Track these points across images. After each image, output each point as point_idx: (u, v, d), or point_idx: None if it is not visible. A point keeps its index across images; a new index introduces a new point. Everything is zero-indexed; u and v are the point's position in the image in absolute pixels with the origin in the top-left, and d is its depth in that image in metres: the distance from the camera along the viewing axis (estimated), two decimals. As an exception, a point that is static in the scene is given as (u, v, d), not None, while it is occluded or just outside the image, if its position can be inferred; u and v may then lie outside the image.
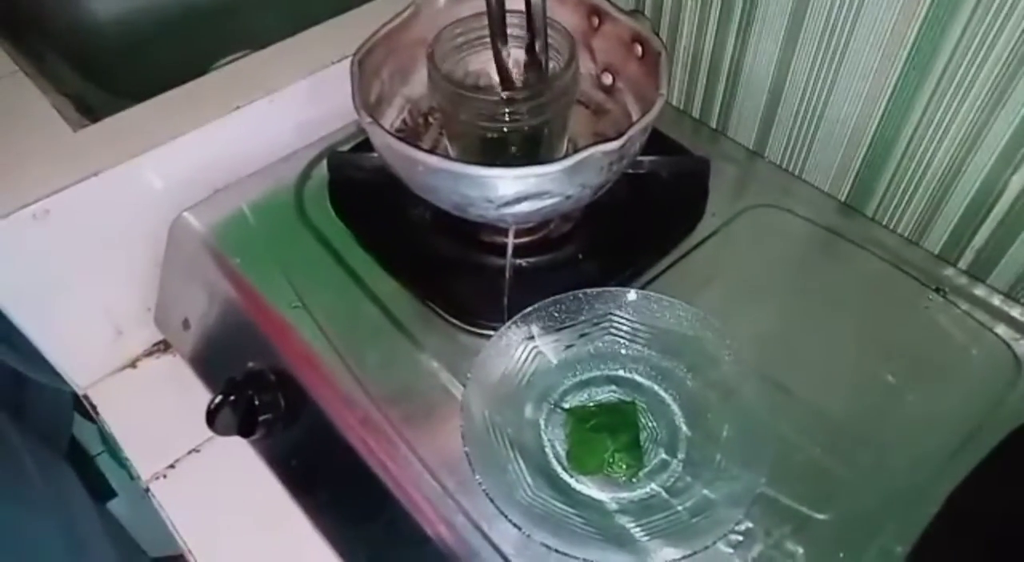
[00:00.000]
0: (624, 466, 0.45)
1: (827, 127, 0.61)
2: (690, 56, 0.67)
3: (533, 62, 0.53)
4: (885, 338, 0.53)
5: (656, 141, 0.61)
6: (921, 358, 0.52)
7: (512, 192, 0.48)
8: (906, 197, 0.59)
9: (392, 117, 0.60)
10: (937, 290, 0.55)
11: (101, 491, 1.20)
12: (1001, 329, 0.53)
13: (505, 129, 0.53)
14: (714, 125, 0.69)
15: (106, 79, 0.68)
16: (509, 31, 0.53)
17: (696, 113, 0.70)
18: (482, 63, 0.55)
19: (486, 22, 0.52)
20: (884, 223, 0.61)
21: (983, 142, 0.52)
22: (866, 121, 0.58)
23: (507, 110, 0.51)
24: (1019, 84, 0.48)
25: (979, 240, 0.56)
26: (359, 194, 0.61)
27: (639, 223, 0.60)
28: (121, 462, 1.26)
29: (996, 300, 0.54)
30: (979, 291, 0.55)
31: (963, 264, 0.58)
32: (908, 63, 0.53)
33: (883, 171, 0.59)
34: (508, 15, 0.51)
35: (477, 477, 0.42)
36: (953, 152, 0.54)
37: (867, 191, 0.61)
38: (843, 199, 0.63)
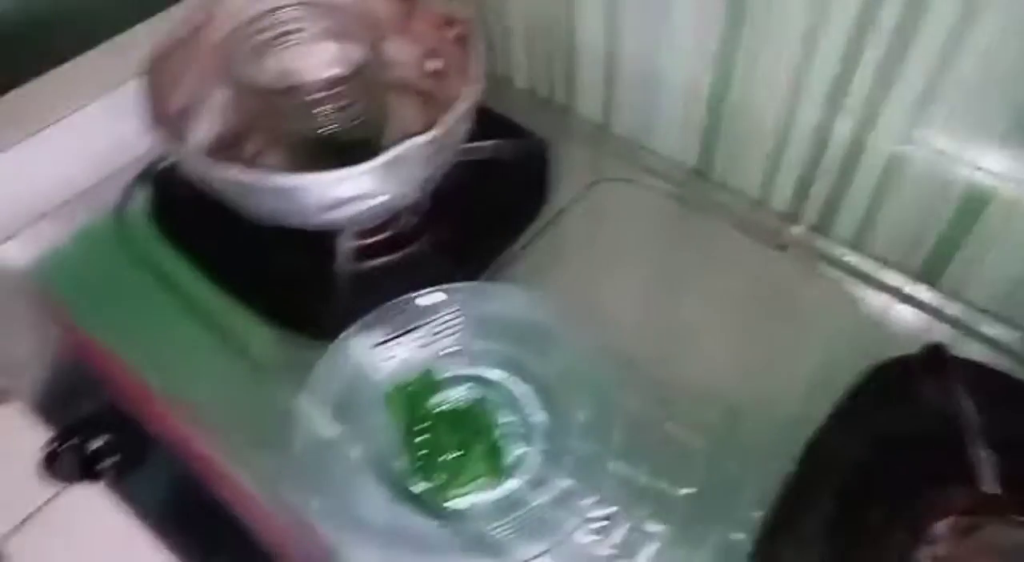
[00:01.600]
0: (488, 476, 0.44)
1: (666, 91, 0.60)
2: (524, 33, 0.65)
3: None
4: (732, 301, 0.53)
5: (498, 124, 0.59)
6: (772, 318, 0.52)
7: (329, 198, 0.45)
8: (745, 156, 0.58)
9: (209, 123, 0.56)
10: (780, 247, 0.55)
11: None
12: (842, 278, 0.53)
13: (319, 130, 0.50)
14: (562, 101, 0.67)
15: None
16: (306, 25, 0.49)
17: (544, 92, 0.68)
18: (289, 61, 0.52)
19: (285, 16, 0.49)
20: (729, 187, 0.60)
21: (808, 95, 0.52)
22: (698, 79, 0.57)
23: (315, 111, 0.48)
24: (831, 27, 0.47)
25: (818, 196, 0.56)
26: (184, 210, 0.57)
27: (485, 210, 0.58)
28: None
29: (836, 252, 0.55)
30: (820, 244, 0.55)
31: (807, 222, 0.58)
32: (727, 12, 0.52)
33: (720, 130, 0.58)
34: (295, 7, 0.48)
35: (313, 504, 0.40)
36: (780, 106, 0.54)
37: (711, 154, 0.60)
38: (692, 165, 0.62)
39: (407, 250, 0.57)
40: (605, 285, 0.53)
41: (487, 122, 0.55)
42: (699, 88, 0.57)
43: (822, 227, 0.57)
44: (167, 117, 0.48)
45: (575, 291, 0.48)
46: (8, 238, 0.57)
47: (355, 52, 0.51)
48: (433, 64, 0.58)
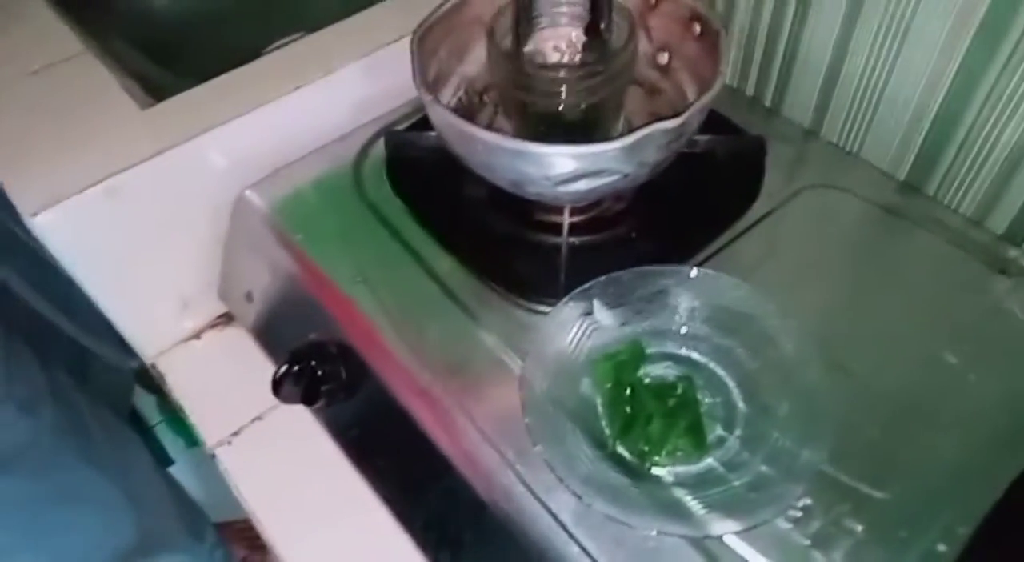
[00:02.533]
0: (687, 451, 0.46)
1: (887, 105, 0.60)
2: (745, 33, 0.66)
3: (593, 40, 0.54)
4: (947, 319, 0.52)
5: (710, 120, 0.60)
6: (984, 340, 0.51)
7: (570, 170, 0.49)
8: (969, 176, 0.58)
9: (448, 95, 0.61)
10: (1002, 272, 0.54)
11: (160, 459, 1.25)
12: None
13: (561, 107, 0.53)
14: (768, 103, 0.68)
15: (167, 60, 0.70)
16: (568, 9, 0.53)
17: (750, 91, 0.69)
18: (540, 41, 0.55)
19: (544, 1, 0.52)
20: (946, 203, 0.60)
21: (1053, 120, 0.51)
22: (929, 98, 0.57)
23: (564, 89, 0.51)
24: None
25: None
26: (416, 172, 0.62)
27: (693, 202, 0.60)
28: (179, 430, 1.30)
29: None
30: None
31: (1027, 245, 0.57)
32: (976, 38, 0.52)
33: (946, 149, 0.58)
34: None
35: (538, 447, 0.43)
36: (1022, 132, 0.53)
37: (928, 170, 0.60)
38: (902, 178, 0.62)
39: (611, 232, 0.60)
40: (810, 290, 0.54)
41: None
42: (928, 107, 0.57)
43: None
44: (426, 82, 0.53)
45: (780, 293, 0.49)
46: (260, 179, 0.63)
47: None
48: (662, 57, 0.60)
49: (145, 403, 1.28)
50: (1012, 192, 0.56)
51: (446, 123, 0.51)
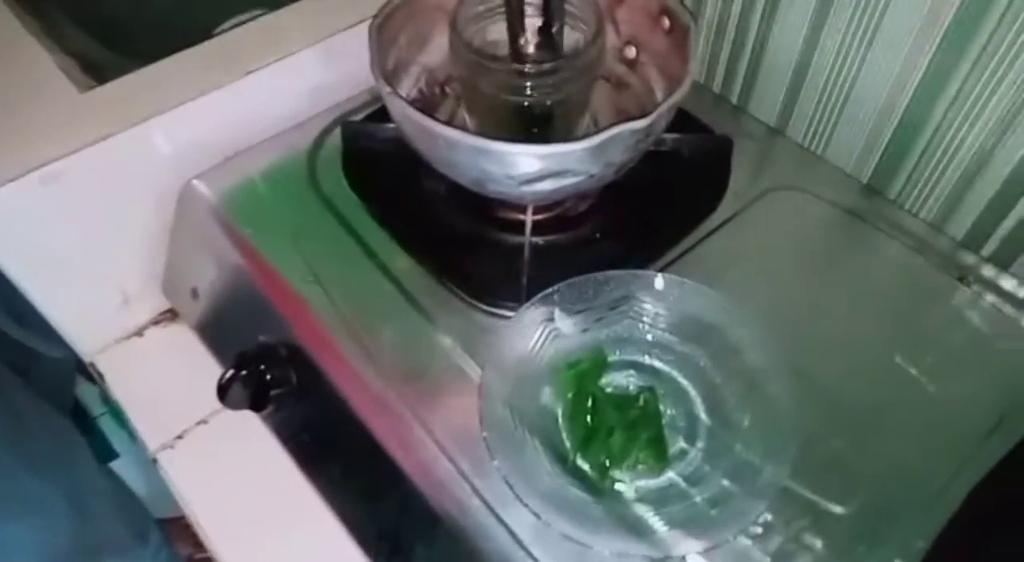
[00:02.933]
0: (649, 464, 0.45)
1: (854, 106, 0.59)
2: (713, 29, 0.65)
3: (545, 41, 0.52)
4: (909, 328, 0.52)
5: (676, 117, 0.59)
6: (944, 348, 0.51)
7: (535, 170, 0.47)
8: (931, 181, 0.58)
9: (408, 86, 0.58)
10: (961, 279, 0.54)
11: (103, 452, 1.20)
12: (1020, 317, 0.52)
13: (527, 103, 0.51)
14: (735, 101, 0.67)
15: (112, 38, 0.66)
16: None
17: (717, 88, 0.68)
18: (503, 32, 0.53)
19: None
20: (907, 207, 0.60)
21: (1018, 126, 0.51)
22: (895, 100, 0.56)
23: (530, 83, 0.49)
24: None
25: (1005, 228, 0.55)
26: (373, 166, 0.59)
27: (658, 202, 0.58)
28: (124, 423, 1.25)
29: (1022, 292, 0.53)
30: (1005, 282, 0.54)
31: (986, 252, 0.57)
32: (944, 41, 0.51)
33: (910, 153, 0.58)
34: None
35: (495, 462, 0.42)
36: (985, 136, 0.53)
37: (891, 173, 0.59)
38: (865, 181, 0.61)
39: (575, 232, 0.58)
40: (774, 295, 0.53)
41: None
42: (893, 109, 0.57)
43: (1002, 261, 0.56)
44: (385, 72, 0.50)
45: (743, 297, 0.48)
46: (209, 168, 0.60)
47: (574, 33, 0.52)
48: (630, 51, 0.59)
49: (88, 393, 1.23)
50: (972, 198, 0.56)
51: (405, 116, 0.48)
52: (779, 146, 0.64)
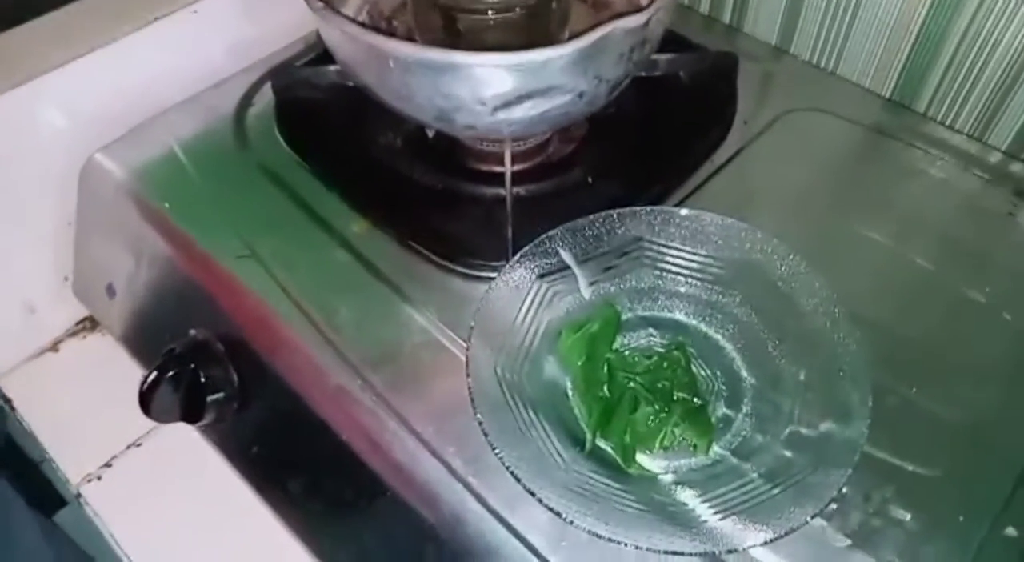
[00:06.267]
0: (690, 439, 0.36)
1: (866, 14, 0.51)
2: (696, -58, 0.57)
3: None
4: (970, 252, 0.44)
5: (669, 40, 0.51)
6: (1012, 270, 0.43)
7: (511, 87, 0.37)
8: (965, 89, 0.50)
9: (356, 7, 0.49)
10: (1018, 194, 0.46)
11: (49, 500, 1.08)
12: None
13: (490, 14, 0.42)
14: (728, 20, 0.58)
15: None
16: None
17: (705, 9, 0.59)
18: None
19: None
20: (940, 120, 0.52)
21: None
22: (914, 4, 0.49)
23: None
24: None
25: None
26: (314, 119, 0.50)
27: (657, 136, 0.50)
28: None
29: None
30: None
31: (1034, 161, 0.49)
32: None
33: (936, 62, 0.50)
34: None
35: (496, 450, 0.32)
36: (1022, 37, 0.45)
37: (916, 85, 0.52)
38: (888, 96, 0.53)
39: (562, 178, 0.49)
40: (806, 230, 0.44)
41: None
42: (912, 14, 0.49)
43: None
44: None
45: (771, 234, 0.39)
46: (114, 140, 0.50)
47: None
48: (607, -38, 0.50)
49: (28, 436, 1.11)
50: (1015, 103, 0.48)
51: (345, 38, 0.39)
52: (785, 65, 0.56)
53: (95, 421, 0.53)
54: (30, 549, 0.68)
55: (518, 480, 0.32)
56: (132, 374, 0.52)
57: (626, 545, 0.31)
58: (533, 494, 0.31)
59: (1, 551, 0.64)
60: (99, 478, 0.51)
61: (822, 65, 0.55)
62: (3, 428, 0.94)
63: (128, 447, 0.52)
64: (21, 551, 0.67)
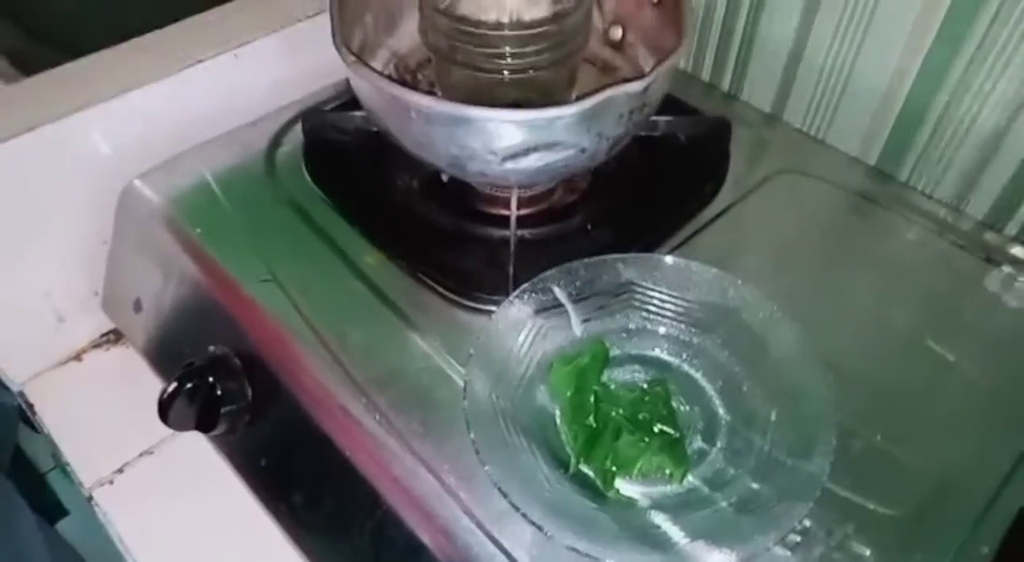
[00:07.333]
0: (667, 468, 0.38)
1: (854, 89, 0.56)
2: (700, 16, 0.61)
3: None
4: (940, 311, 0.47)
5: (669, 104, 0.55)
6: (983, 333, 0.46)
7: (519, 141, 0.41)
8: (944, 161, 0.54)
9: (383, 63, 0.53)
10: (989, 260, 0.50)
11: (52, 510, 1.10)
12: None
13: (506, 74, 0.46)
14: (726, 88, 0.63)
15: (47, 33, 0.60)
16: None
17: (706, 76, 0.64)
18: (473, 8, 0.48)
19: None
20: (920, 189, 0.55)
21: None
22: (899, 82, 0.53)
23: (510, 48, 0.45)
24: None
25: (1025, 207, 0.51)
26: (339, 159, 0.54)
27: (653, 190, 0.54)
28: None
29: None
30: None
31: (1010, 231, 0.52)
32: (944, 27, 0.49)
33: (918, 134, 0.54)
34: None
35: (487, 467, 0.35)
36: (999, 112, 0.49)
37: (899, 156, 0.56)
38: (873, 164, 0.57)
39: (564, 224, 0.53)
40: (788, 283, 0.47)
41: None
42: (896, 91, 0.53)
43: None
44: (347, 44, 0.45)
45: (756, 287, 0.43)
46: (153, 168, 0.54)
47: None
48: (616, 32, 0.54)
49: (36, 445, 1.13)
50: (989, 178, 0.52)
51: (373, 89, 0.43)
52: (777, 131, 0.60)
53: (111, 428, 0.56)
54: (26, 539, 0.70)
55: (505, 496, 0.35)
56: (148, 386, 0.56)
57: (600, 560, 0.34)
58: (518, 509, 0.34)
59: (3, 551, 0.66)
60: (111, 483, 0.53)
61: (812, 133, 0.59)
62: (13, 438, 0.97)
63: (140, 455, 0.54)
64: (19, 552, 0.69)
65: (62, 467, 1.13)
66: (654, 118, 0.53)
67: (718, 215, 0.52)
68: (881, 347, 0.45)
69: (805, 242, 0.51)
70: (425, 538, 0.39)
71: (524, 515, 0.34)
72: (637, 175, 0.54)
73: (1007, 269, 0.49)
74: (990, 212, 0.53)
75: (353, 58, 0.43)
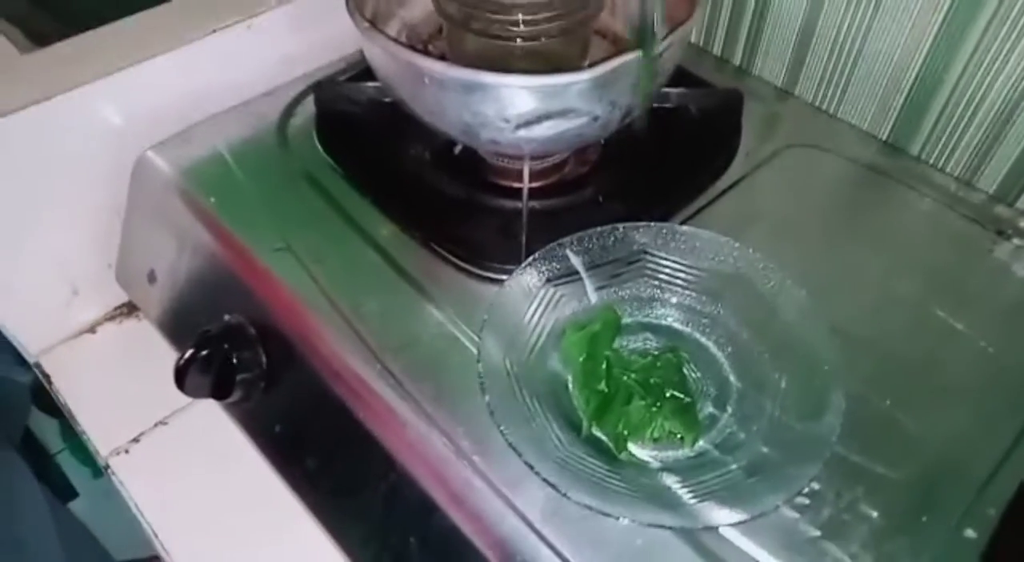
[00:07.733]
0: (680, 433, 0.39)
1: (866, 63, 0.56)
2: (711, -9, 0.61)
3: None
4: (951, 283, 0.47)
5: (681, 76, 0.55)
6: (992, 304, 0.46)
7: (532, 108, 0.42)
8: (956, 135, 0.54)
9: (396, 31, 0.53)
10: (1000, 233, 0.50)
11: (62, 490, 1.11)
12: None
13: (518, 41, 0.46)
14: (738, 62, 0.63)
15: (61, 7, 0.60)
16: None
17: (717, 50, 0.64)
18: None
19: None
20: (931, 163, 0.55)
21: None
22: (911, 56, 0.53)
23: (523, 15, 0.45)
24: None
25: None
26: (351, 130, 0.54)
27: (665, 162, 0.54)
28: (85, 460, 1.16)
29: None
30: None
31: (1020, 205, 0.52)
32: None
33: (929, 108, 0.54)
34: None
35: (501, 427, 0.36)
36: (1011, 86, 0.49)
37: (911, 130, 0.55)
38: (884, 138, 0.57)
39: (576, 195, 0.53)
40: (800, 254, 0.47)
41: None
42: (909, 65, 0.53)
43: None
44: (361, 10, 0.45)
45: (767, 257, 0.43)
46: (166, 139, 0.54)
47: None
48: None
49: (46, 427, 1.14)
50: (1002, 151, 0.52)
51: (386, 55, 0.43)
52: (789, 105, 0.60)
53: (126, 399, 0.56)
54: (34, 515, 0.71)
55: (520, 455, 0.35)
56: (162, 359, 0.56)
57: (615, 518, 0.34)
58: (531, 467, 0.35)
59: (10, 528, 0.67)
60: (127, 452, 0.54)
61: (824, 107, 0.59)
62: (26, 415, 0.98)
63: (155, 425, 0.55)
64: (26, 518, 0.70)
65: (72, 445, 1.15)
66: (666, 90, 0.54)
67: (729, 187, 0.52)
68: (891, 316, 0.46)
69: (816, 214, 0.52)
70: (439, 501, 0.40)
71: (538, 473, 0.35)
72: (648, 148, 0.54)
73: (1017, 242, 0.49)
74: (1001, 186, 0.53)
75: (367, 24, 0.43)
